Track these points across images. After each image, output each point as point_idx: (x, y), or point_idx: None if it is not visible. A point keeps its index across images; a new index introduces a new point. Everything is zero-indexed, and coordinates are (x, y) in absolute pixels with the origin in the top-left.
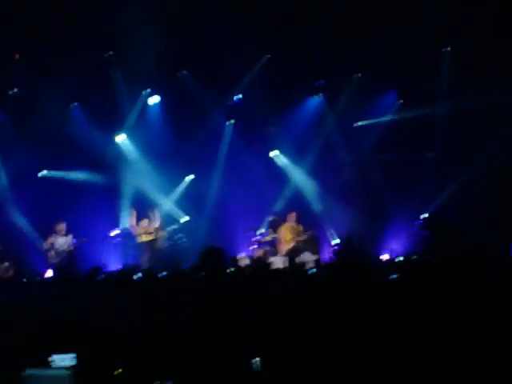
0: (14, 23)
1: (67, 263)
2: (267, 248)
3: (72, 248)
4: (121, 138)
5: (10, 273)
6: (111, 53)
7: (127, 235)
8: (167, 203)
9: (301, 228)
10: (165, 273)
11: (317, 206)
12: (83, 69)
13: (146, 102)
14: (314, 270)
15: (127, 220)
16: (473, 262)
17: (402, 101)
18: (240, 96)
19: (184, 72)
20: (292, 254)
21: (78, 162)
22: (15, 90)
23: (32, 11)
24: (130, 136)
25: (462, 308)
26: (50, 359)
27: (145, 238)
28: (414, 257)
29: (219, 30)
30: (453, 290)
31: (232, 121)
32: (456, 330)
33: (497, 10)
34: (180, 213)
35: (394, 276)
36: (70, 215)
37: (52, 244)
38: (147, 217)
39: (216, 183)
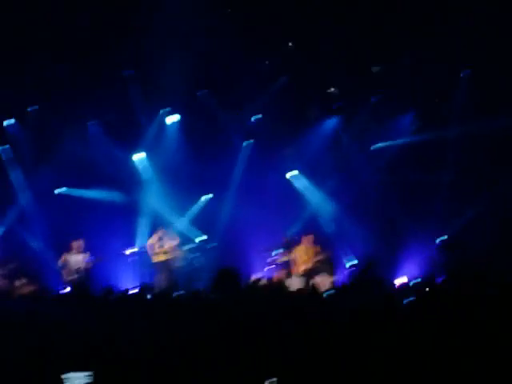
0: (37, 40)
1: (82, 281)
2: (283, 269)
3: (89, 266)
4: (138, 157)
5: (27, 289)
6: (131, 71)
7: (143, 254)
8: (183, 222)
9: (318, 249)
10: (179, 293)
11: (331, 227)
12: (102, 86)
13: (164, 121)
14: (332, 291)
15: (147, 238)
16: (487, 284)
17: (420, 123)
18: (259, 116)
19: (204, 91)
20: (309, 275)
21: (95, 180)
22: (35, 106)
23: (55, 29)
24: (148, 155)
25: (475, 333)
26: (63, 377)
27: (161, 258)
28: (430, 280)
29: (238, 50)
30: (467, 314)
31: (250, 141)
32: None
33: None
34: (196, 232)
35: (410, 299)
36: (87, 233)
37: (66, 261)
38: (159, 236)
39: (232, 203)
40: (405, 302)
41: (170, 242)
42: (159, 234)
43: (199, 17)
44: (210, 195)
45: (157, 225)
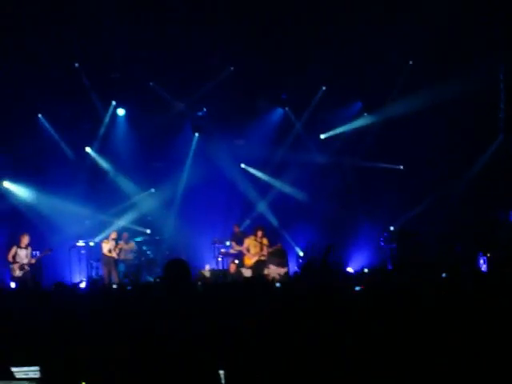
0: None
1: (29, 276)
2: (236, 260)
3: (34, 261)
4: (90, 149)
5: None
6: (80, 63)
7: (92, 247)
8: (131, 216)
9: (266, 242)
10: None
11: (276, 220)
12: (50, 79)
13: (114, 113)
14: (278, 284)
15: (101, 235)
16: (436, 273)
17: (365, 114)
18: (205, 109)
19: (151, 84)
20: (256, 268)
21: (45, 172)
22: None
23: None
24: (99, 147)
25: (423, 320)
26: (12, 371)
27: (112, 253)
28: (379, 269)
29: (186, 42)
30: (416, 302)
31: (197, 134)
32: (417, 341)
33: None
34: (143, 226)
35: (358, 288)
36: (38, 226)
37: (14, 257)
38: (114, 238)
39: (183, 196)
40: (356, 289)
41: (124, 245)
42: (113, 236)
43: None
44: (152, 190)
45: (106, 219)
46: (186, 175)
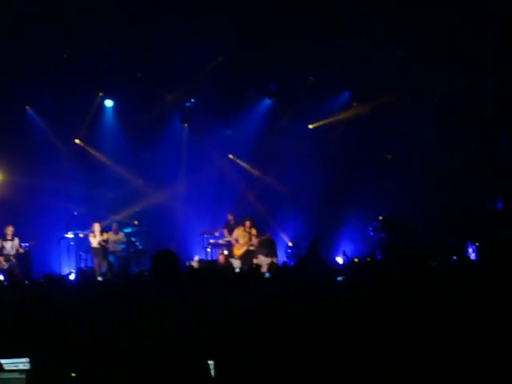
0: None
1: (16, 267)
2: (225, 251)
3: (22, 251)
4: (77, 141)
5: None
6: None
7: (81, 239)
8: (122, 208)
9: (254, 232)
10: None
11: (264, 209)
12: (38, 72)
13: (101, 105)
14: (267, 274)
15: (91, 230)
16: (425, 262)
17: (354, 104)
18: (192, 100)
19: (139, 75)
20: (244, 258)
21: (33, 165)
22: None
23: None
24: (87, 139)
25: (412, 309)
26: (1, 362)
27: (99, 244)
28: (368, 259)
29: (173, 32)
30: (404, 292)
31: (186, 125)
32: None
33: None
34: (131, 217)
35: (339, 278)
36: (22, 218)
37: (0, 249)
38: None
39: (171, 187)
40: (339, 278)
41: (113, 236)
42: (96, 228)
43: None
44: (140, 181)
45: (95, 211)
46: (175, 166)
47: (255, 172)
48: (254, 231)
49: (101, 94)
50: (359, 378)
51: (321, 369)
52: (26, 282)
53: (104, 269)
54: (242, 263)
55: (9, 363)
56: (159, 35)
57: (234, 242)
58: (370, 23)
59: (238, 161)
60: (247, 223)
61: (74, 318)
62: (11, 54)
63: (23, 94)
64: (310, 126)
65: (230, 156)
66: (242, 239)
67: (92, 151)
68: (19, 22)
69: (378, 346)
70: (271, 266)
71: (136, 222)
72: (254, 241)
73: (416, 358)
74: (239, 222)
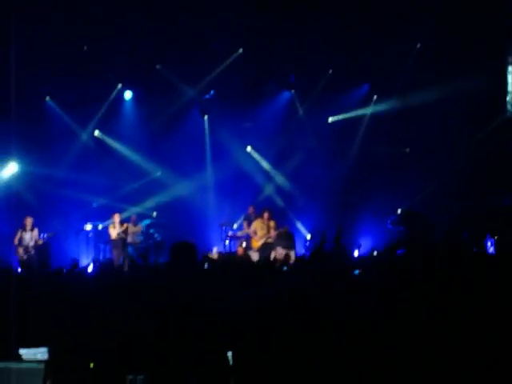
0: None
1: (35, 258)
2: (243, 242)
3: (40, 243)
4: (97, 133)
5: None
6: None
7: (100, 231)
8: (141, 200)
9: (272, 224)
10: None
11: (283, 202)
12: (59, 63)
13: (121, 96)
14: (285, 267)
15: (112, 220)
16: (443, 256)
17: (375, 96)
18: (212, 92)
19: (158, 66)
20: (263, 251)
21: (51, 156)
22: None
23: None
24: (106, 130)
25: (428, 304)
26: (20, 353)
27: (120, 236)
28: (386, 252)
29: (192, 24)
30: (421, 286)
31: (206, 116)
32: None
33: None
34: (151, 209)
35: (357, 272)
36: (41, 209)
37: (20, 240)
38: (120, 220)
39: (190, 179)
40: (356, 272)
41: (132, 227)
42: (117, 219)
43: None
44: (159, 173)
45: (113, 203)
46: (195, 158)
47: (273, 165)
48: (272, 223)
49: (120, 85)
50: (374, 370)
51: (334, 360)
52: (44, 272)
53: (122, 260)
54: (260, 255)
55: (27, 353)
56: (179, 27)
57: (252, 234)
58: (391, 14)
59: (255, 155)
60: (265, 215)
61: (92, 308)
62: (32, 45)
63: (43, 85)
64: (330, 120)
65: (249, 148)
66: (260, 231)
67: (111, 143)
68: (40, 12)
69: (394, 340)
70: (289, 258)
71: (154, 214)
72: (272, 233)
73: (435, 350)
74: (258, 215)
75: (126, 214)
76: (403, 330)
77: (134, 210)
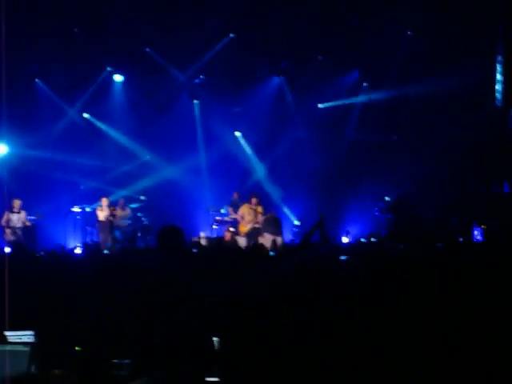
0: None
1: (23, 240)
2: (231, 228)
3: (29, 224)
4: (86, 115)
5: None
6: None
7: (87, 213)
8: (129, 183)
9: (260, 209)
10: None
11: (274, 188)
12: (49, 45)
13: (111, 79)
14: (272, 252)
15: (100, 204)
16: (431, 243)
17: (365, 84)
18: (201, 77)
19: (147, 49)
20: (250, 236)
21: (40, 138)
22: None
23: None
24: (95, 112)
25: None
26: (6, 335)
27: (107, 219)
28: (373, 239)
29: (183, 7)
30: (409, 273)
31: (196, 101)
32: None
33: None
34: (139, 192)
35: (344, 258)
36: (29, 191)
37: (7, 221)
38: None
39: (179, 162)
40: (343, 258)
41: (120, 211)
42: (105, 203)
43: None
44: (148, 156)
45: (102, 185)
46: (183, 142)
47: (262, 149)
48: (260, 209)
49: (109, 68)
50: (362, 358)
51: (322, 348)
52: (34, 255)
53: (109, 243)
54: (248, 241)
55: (13, 336)
56: (170, 11)
57: (239, 219)
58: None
59: (241, 141)
60: (253, 200)
61: (79, 291)
62: (23, 27)
63: (33, 67)
64: (320, 106)
65: (236, 133)
66: (247, 216)
67: (101, 125)
68: None
69: (381, 326)
70: (276, 244)
71: (142, 198)
72: (260, 218)
73: (420, 339)
74: (245, 200)
75: (114, 198)
76: (391, 318)
77: (122, 193)
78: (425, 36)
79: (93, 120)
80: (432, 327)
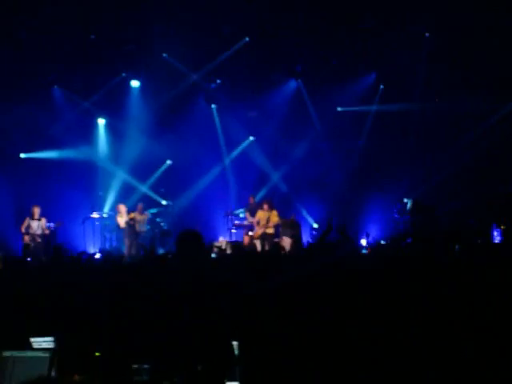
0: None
1: (41, 247)
2: (250, 232)
3: (47, 232)
4: (102, 121)
5: None
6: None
7: (106, 219)
8: (146, 187)
9: (275, 214)
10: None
11: (289, 191)
12: (66, 52)
13: (128, 85)
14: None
15: (115, 206)
16: (450, 245)
17: (382, 86)
18: (218, 81)
19: (164, 55)
20: (266, 239)
21: (58, 145)
22: None
23: None
24: (112, 118)
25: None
26: (29, 341)
27: (126, 224)
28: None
29: (198, 12)
30: (427, 274)
31: (213, 105)
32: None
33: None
34: (159, 197)
35: (365, 251)
36: (51, 198)
37: (27, 228)
38: (126, 210)
39: (196, 167)
40: (365, 251)
41: (139, 216)
42: (122, 209)
43: None
44: (168, 161)
45: (122, 191)
46: (201, 148)
47: (280, 153)
48: (274, 213)
49: (124, 74)
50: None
51: (341, 348)
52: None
53: (134, 249)
54: (261, 245)
55: (33, 342)
56: (185, 15)
57: (255, 223)
58: (397, 4)
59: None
60: (265, 206)
61: (99, 297)
62: (39, 34)
63: (50, 73)
64: (339, 109)
65: (253, 138)
66: (262, 221)
67: (118, 131)
68: (48, 2)
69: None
70: (295, 247)
71: (163, 202)
72: (272, 223)
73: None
74: (259, 205)
75: (133, 203)
76: (407, 318)
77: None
78: (445, 37)
79: (111, 126)
80: (455, 327)
